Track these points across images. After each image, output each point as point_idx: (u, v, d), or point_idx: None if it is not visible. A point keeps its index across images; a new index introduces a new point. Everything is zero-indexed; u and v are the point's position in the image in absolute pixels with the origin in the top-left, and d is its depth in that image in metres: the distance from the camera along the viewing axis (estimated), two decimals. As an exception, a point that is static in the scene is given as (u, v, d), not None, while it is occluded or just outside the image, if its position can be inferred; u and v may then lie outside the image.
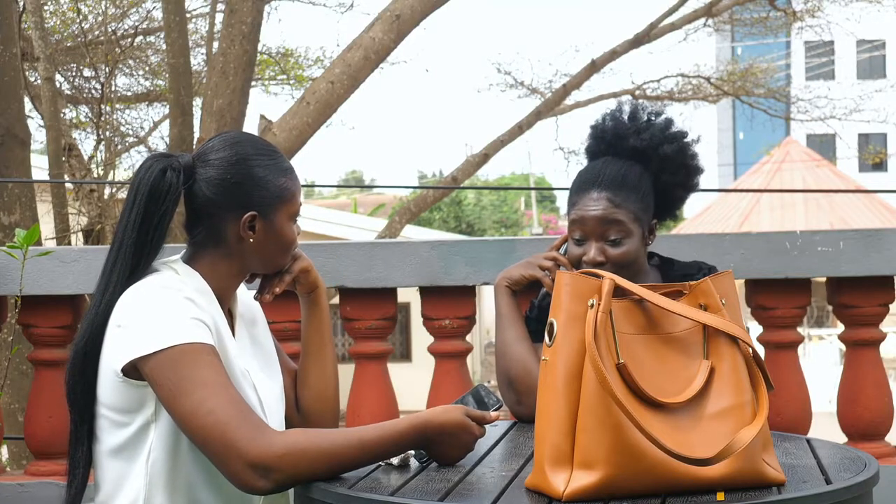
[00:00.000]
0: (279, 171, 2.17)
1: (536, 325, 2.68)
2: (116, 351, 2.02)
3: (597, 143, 2.63)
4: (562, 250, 2.66)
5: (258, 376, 2.20)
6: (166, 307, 2.01)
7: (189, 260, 2.17)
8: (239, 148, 2.16)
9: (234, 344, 2.15)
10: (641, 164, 2.56)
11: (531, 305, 2.76)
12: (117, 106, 11.75)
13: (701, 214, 25.11)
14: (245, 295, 2.31)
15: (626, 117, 2.62)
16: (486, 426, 2.13)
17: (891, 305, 3.44)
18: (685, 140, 2.61)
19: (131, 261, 2.09)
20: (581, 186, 2.55)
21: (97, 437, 2.09)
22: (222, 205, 2.13)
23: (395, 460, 2.07)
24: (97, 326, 2.06)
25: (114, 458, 2.06)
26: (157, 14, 12.23)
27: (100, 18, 11.68)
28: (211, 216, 2.14)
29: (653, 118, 2.61)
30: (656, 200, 2.59)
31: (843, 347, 3.66)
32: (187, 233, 2.18)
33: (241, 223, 2.13)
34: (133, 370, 2.01)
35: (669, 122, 2.62)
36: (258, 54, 9.98)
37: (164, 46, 10.01)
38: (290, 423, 2.31)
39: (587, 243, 2.53)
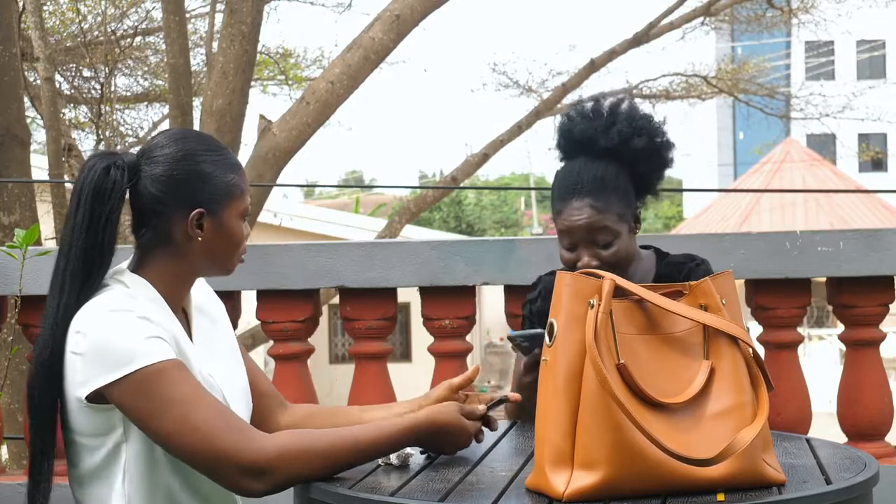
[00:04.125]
0: (227, 167, 2.11)
1: (531, 327, 2.70)
2: (78, 379, 1.98)
3: (566, 142, 2.62)
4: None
5: (223, 377, 2.15)
6: (121, 331, 1.95)
7: (137, 266, 2.10)
8: (185, 143, 2.09)
9: (193, 349, 2.10)
10: (616, 161, 2.56)
11: (523, 318, 2.78)
12: (117, 106, 11.75)
13: (701, 214, 25.11)
14: (201, 292, 2.24)
15: (590, 116, 2.59)
16: (488, 428, 2.16)
17: (891, 305, 3.44)
18: (653, 126, 2.59)
19: (82, 266, 2.02)
20: (562, 194, 2.55)
21: (75, 459, 2.06)
22: (168, 202, 2.06)
23: (395, 460, 2.07)
24: (57, 339, 2.00)
25: (92, 480, 2.04)
26: (157, 14, 12.25)
27: (99, 18, 11.69)
28: (157, 215, 2.07)
29: (615, 110, 2.59)
30: (635, 187, 2.59)
31: (843, 347, 3.66)
32: (134, 234, 2.11)
33: (189, 221, 2.06)
34: (98, 396, 1.97)
35: (633, 111, 2.60)
36: (257, 54, 9.98)
37: (163, 46, 10.01)
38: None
39: (578, 250, 2.54)
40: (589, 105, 2.62)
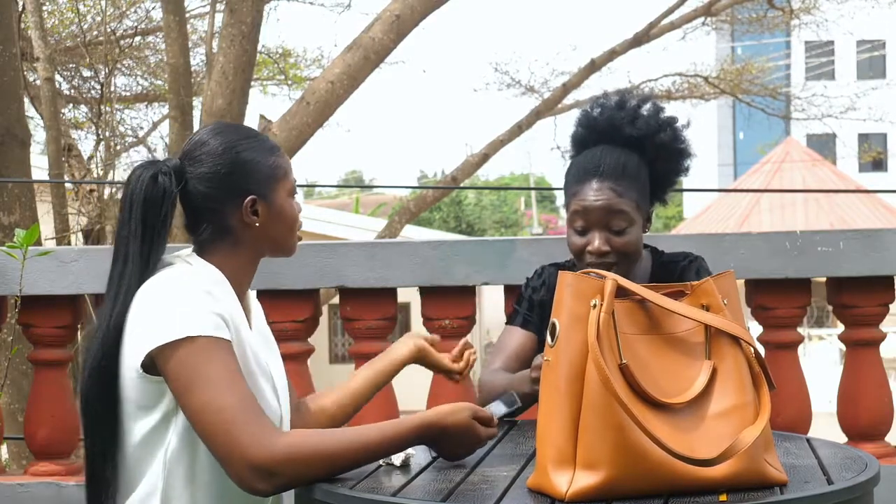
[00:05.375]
0: (267, 151, 2.17)
1: (528, 310, 2.69)
2: (135, 346, 2.01)
3: (587, 131, 2.61)
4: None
5: (274, 369, 2.20)
6: (182, 299, 2.01)
7: (199, 254, 2.16)
8: (222, 137, 2.15)
9: (251, 335, 2.15)
10: (637, 153, 2.55)
11: (520, 296, 2.76)
12: (117, 106, 11.75)
13: (701, 214, 25.12)
14: None
15: (616, 106, 2.59)
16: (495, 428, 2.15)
17: (891, 305, 3.44)
18: (677, 126, 2.61)
19: (138, 272, 2.08)
20: (581, 176, 2.53)
21: (121, 428, 2.08)
22: (220, 197, 2.12)
23: (396, 460, 2.07)
24: (110, 345, 2.04)
25: (135, 448, 2.06)
26: (157, 14, 12.24)
27: (99, 18, 11.67)
28: (212, 211, 2.13)
29: (641, 105, 2.60)
30: (651, 187, 2.59)
31: (843, 347, 3.66)
32: (190, 233, 2.16)
33: (244, 210, 2.13)
34: (151, 365, 2.00)
35: (659, 108, 2.61)
36: (257, 54, 9.98)
37: (163, 46, 10.01)
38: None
39: (590, 233, 2.51)
40: (615, 98, 2.62)
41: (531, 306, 2.71)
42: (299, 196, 2.29)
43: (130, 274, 2.08)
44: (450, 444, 2.04)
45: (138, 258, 2.08)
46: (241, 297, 2.18)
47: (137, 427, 2.05)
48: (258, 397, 2.03)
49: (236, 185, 2.13)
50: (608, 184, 2.49)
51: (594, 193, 2.49)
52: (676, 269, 2.60)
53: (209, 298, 2.03)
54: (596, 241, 2.49)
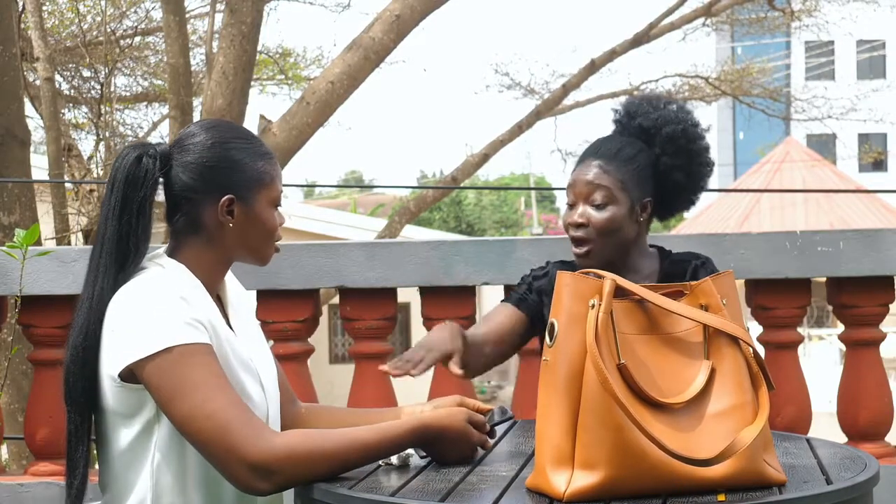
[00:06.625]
0: (257, 155, 2.14)
1: (526, 290, 2.71)
2: (112, 356, 2.00)
3: (613, 124, 2.72)
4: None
5: (259, 362, 2.18)
6: (157, 309, 1.99)
7: (172, 252, 2.13)
8: (215, 132, 2.13)
9: (231, 333, 2.12)
10: (645, 144, 2.62)
11: (521, 280, 2.76)
12: (117, 106, 11.75)
13: (701, 214, 25.10)
14: (230, 280, 2.26)
15: (645, 99, 2.69)
16: (490, 435, 2.16)
17: (891, 305, 3.44)
18: (691, 125, 2.64)
19: (115, 252, 2.05)
20: (581, 158, 2.64)
21: (104, 438, 2.08)
22: (199, 189, 2.09)
23: (395, 460, 2.07)
24: (93, 324, 2.03)
25: (121, 459, 2.05)
26: (157, 14, 12.25)
27: (99, 18, 11.68)
28: (189, 202, 2.10)
29: (670, 105, 2.67)
30: (658, 185, 2.62)
31: (843, 347, 3.66)
32: (167, 222, 2.14)
33: (219, 207, 2.09)
34: (130, 375, 1.99)
35: (682, 106, 2.68)
36: (257, 54, 9.98)
37: (163, 46, 10.01)
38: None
39: (574, 207, 2.59)
40: (650, 95, 2.75)
41: (530, 289, 2.73)
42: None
43: (107, 255, 2.06)
44: (444, 447, 2.06)
45: (115, 237, 2.06)
46: (215, 294, 2.15)
47: (121, 437, 2.04)
48: (241, 393, 2.03)
49: (217, 181, 2.10)
50: (599, 161, 2.58)
51: (584, 169, 2.59)
52: (688, 269, 2.62)
53: (183, 304, 2.00)
54: (574, 215, 2.58)
